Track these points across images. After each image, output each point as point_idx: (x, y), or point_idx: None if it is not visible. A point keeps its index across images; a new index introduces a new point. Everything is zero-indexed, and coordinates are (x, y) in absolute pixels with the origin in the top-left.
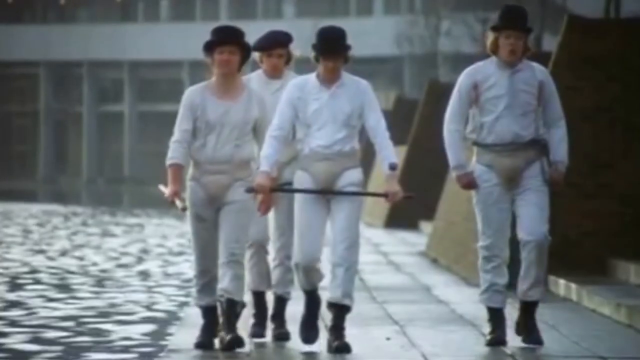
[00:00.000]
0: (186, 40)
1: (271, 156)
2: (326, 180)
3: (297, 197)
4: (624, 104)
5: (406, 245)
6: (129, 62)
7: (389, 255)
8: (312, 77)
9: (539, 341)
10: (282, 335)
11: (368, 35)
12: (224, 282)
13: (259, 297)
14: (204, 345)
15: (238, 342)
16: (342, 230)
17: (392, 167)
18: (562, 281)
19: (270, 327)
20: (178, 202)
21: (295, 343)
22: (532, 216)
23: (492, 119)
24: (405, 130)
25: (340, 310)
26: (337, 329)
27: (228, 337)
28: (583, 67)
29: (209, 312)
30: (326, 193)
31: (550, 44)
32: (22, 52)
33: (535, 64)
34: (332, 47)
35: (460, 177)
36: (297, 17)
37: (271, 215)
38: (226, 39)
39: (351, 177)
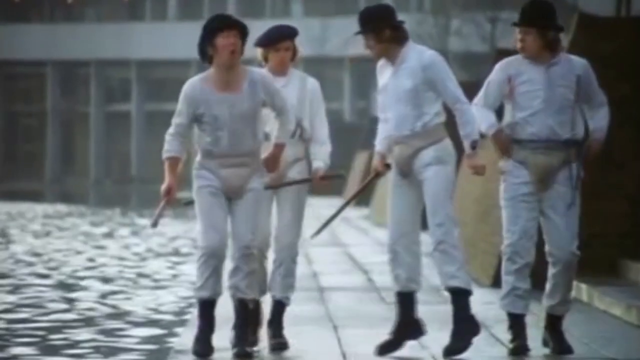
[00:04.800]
0: (194, 39)
1: (382, 139)
2: (401, 162)
3: (389, 185)
4: (634, 103)
5: None
6: (137, 61)
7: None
8: (382, 61)
9: (569, 350)
10: (280, 345)
11: None
12: (235, 278)
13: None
14: (203, 354)
15: (246, 356)
16: (431, 211)
17: None
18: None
19: (267, 334)
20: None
21: (301, 349)
22: (562, 232)
23: (527, 114)
24: None
25: (464, 295)
26: (468, 317)
27: (234, 350)
28: (593, 66)
29: (209, 308)
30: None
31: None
32: (29, 52)
33: (574, 58)
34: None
35: (496, 136)
36: (305, 15)
37: (273, 217)
38: (230, 24)
39: (426, 156)
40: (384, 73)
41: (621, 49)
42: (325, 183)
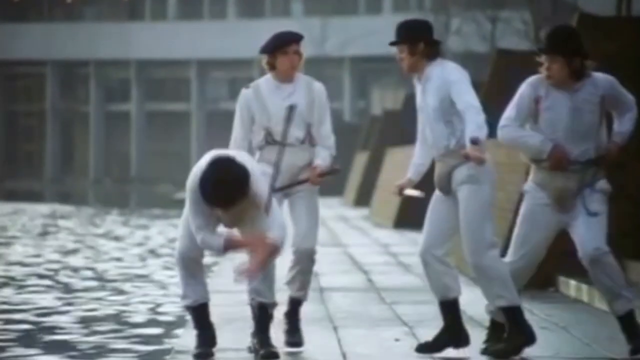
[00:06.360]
0: (194, 38)
1: (415, 164)
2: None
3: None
4: (636, 104)
5: (415, 245)
6: (136, 61)
7: (398, 255)
8: None
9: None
10: (295, 344)
11: (377, 34)
12: (254, 282)
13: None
14: (203, 357)
15: (273, 356)
16: (463, 234)
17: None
18: (573, 282)
19: (282, 331)
20: None
21: (301, 349)
22: (583, 234)
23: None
24: (414, 128)
25: (513, 310)
26: (520, 328)
27: (262, 352)
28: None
29: (200, 313)
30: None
31: None
32: (28, 51)
33: (599, 76)
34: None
35: (555, 151)
36: (305, 15)
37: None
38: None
39: (460, 175)
40: (419, 91)
41: (622, 49)
42: (323, 180)
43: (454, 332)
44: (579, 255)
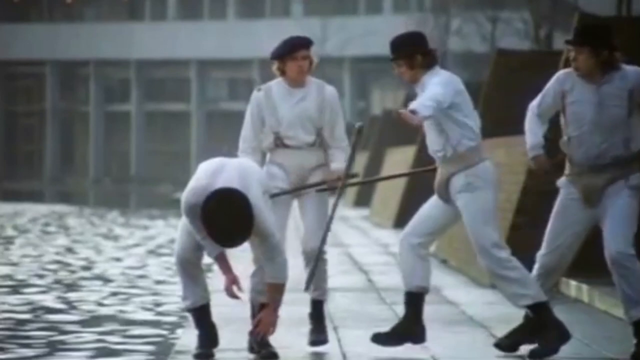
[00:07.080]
0: (194, 39)
1: None
2: (439, 184)
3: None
4: None
5: None
6: (136, 61)
7: (398, 255)
8: None
9: None
10: (319, 343)
11: (377, 34)
12: (255, 280)
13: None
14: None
15: (272, 356)
16: (472, 241)
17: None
18: (573, 282)
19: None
20: None
21: (301, 349)
22: (608, 233)
23: (577, 134)
24: (414, 129)
25: (540, 307)
26: (553, 324)
27: (262, 352)
28: None
29: (201, 315)
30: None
31: (562, 42)
32: (28, 51)
33: (629, 69)
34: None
35: (534, 158)
36: (305, 15)
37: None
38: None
39: (457, 183)
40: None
41: (622, 48)
42: (341, 184)
43: (411, 326)
44: (605, 255)
